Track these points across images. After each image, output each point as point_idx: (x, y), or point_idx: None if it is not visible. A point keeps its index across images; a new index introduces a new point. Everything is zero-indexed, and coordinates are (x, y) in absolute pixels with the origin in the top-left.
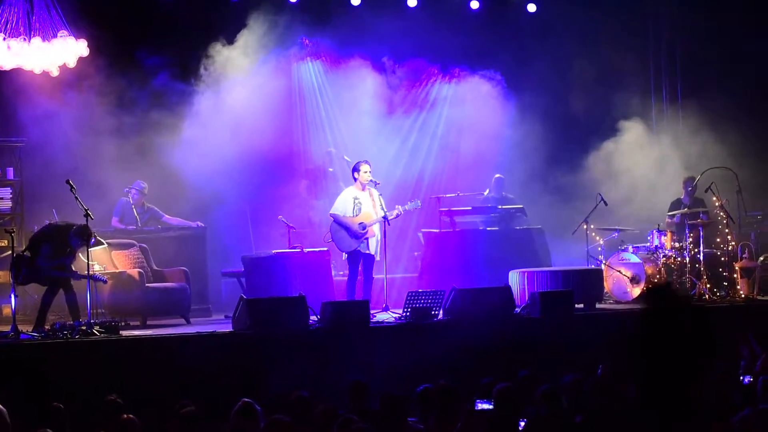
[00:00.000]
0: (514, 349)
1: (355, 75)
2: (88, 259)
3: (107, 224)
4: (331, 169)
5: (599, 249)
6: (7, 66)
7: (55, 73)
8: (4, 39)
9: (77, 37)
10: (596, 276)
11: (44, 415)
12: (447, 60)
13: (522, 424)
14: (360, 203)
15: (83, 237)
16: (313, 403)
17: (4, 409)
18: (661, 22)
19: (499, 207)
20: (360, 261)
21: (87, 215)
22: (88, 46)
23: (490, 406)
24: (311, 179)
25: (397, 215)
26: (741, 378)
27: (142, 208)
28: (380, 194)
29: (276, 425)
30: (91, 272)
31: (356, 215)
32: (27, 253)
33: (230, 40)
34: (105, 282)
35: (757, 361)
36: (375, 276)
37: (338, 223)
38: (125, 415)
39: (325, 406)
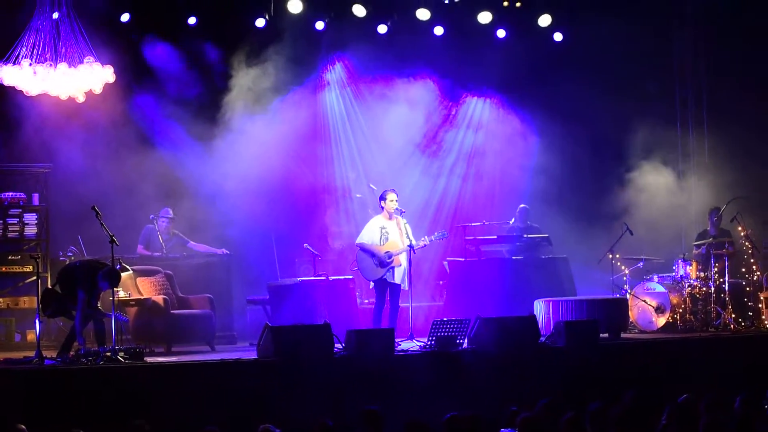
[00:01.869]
0: (539, 378)
1: (380, 103)
2: (112, 288)
3: (132, 250)
4: (358, 195)
5: (624, 278)
6: (33, 92)
7: (81, 99)
8: (31, 65)
9: (103, 63)
10: (621, 305)
11: None
12: (473, 88)
13: None
14: (387, 232)
15: (112, 280)
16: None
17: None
18: (686, 51)
19: (525, 236)
20: (387, 290)
21: (112, 241)
22: (114, 72)
23: None
24: (335, 207)
25: (424, 246)
26: (766, 407)
27: (168, 234)
28: (406, 222)
29: None
30: (115, 309)
31: (383, 244)
32: (57, 289)
33: (256, 67)
34: (126, 321)
35: None
36: (400, 304)
37: (365, 251)
38: None
39: None
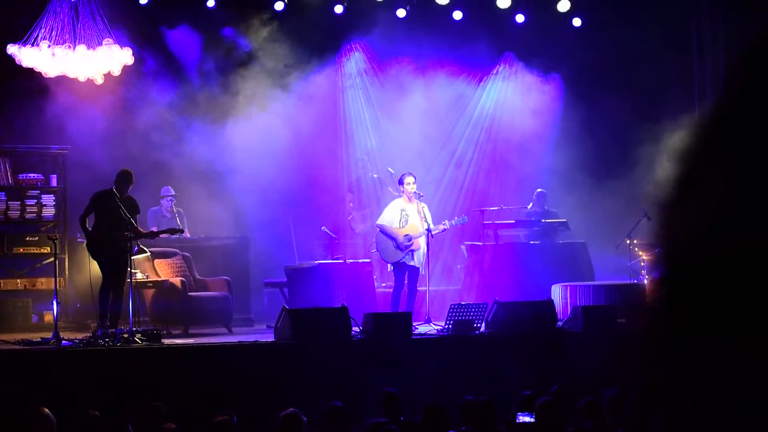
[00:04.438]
0: (556, 363)
1: (398, 86)
2: (131, 268)
3: None
4: (375, 175)
5: (642, 264)
6: (52, 73)
7: (99, 81)
8: (49, 46)
9: (122, 45)
10: (639, 291)
11: (83, 423)
12: (492, 72)
13: None
14: (407, 215)
15: (125, 181)
16: (349, 414)
17: (51, 415)
18: (705, 34)
19: (543, 221)
20: (405, 273)
21: (130, 223)
22: (133, 54)
23: (532, 420)
24: (354, 192)
25: (443, 230)
26: None
27: (171, 213)
28: (425, 206)
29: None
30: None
31: (403, 227)
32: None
33: (274, 50)
34: (183, 232)
35: None
36: (418, 288)
37: (384, 233)
38: (167, 425)
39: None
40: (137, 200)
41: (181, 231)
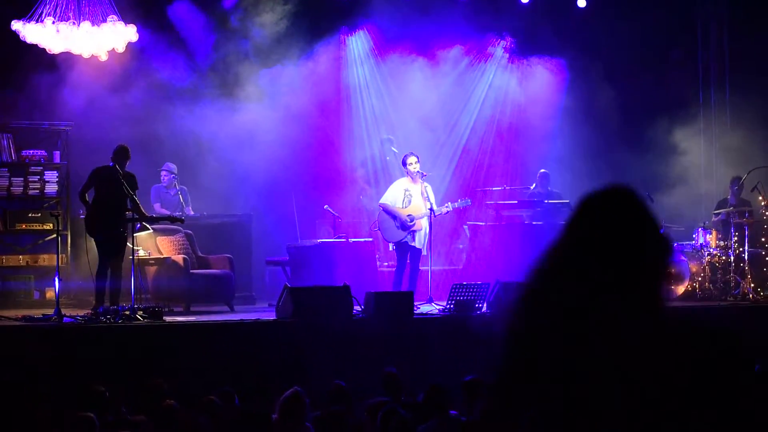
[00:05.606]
0: None
1: (403, 66)
2: (133, 245)
3: (150, 211)
4: (388, 158)
5: None
6: (56, 50)
7: (103, 57)
8: (54, 23)
9: (126, 22)
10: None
11: (87, 399)
12: (494, 53)
13: None
14: (411, 195)
15: (124, 157)
16: (352, 394)
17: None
18: (710, 17)
19: (545, 201)
20: (408, 252)
21: (132, 200)
22: (137, 31)
23: None
24: (367, 168)
25: (447, 212)
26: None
27: (175, 189)
28: (427, 185)
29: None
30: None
31: (406, 207)
32: (89, 208)
33: (279, 28)
34: (182, 222)
35: None
36: (420, 268)
37: (387, 212)
38: (167, 401)
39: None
40: (137, 176)
41: (182, 221)
